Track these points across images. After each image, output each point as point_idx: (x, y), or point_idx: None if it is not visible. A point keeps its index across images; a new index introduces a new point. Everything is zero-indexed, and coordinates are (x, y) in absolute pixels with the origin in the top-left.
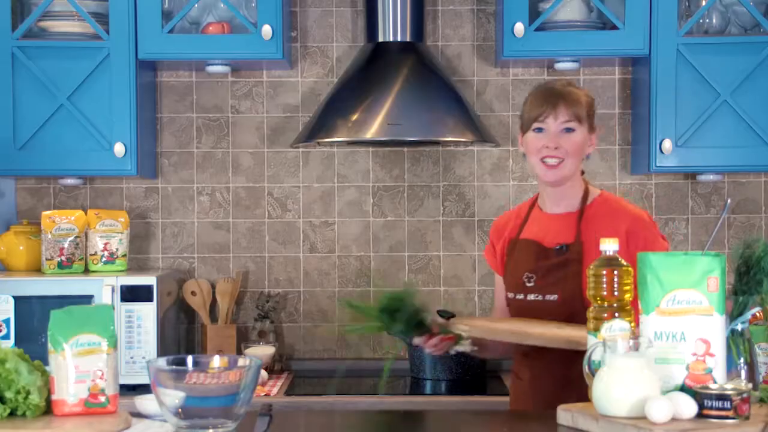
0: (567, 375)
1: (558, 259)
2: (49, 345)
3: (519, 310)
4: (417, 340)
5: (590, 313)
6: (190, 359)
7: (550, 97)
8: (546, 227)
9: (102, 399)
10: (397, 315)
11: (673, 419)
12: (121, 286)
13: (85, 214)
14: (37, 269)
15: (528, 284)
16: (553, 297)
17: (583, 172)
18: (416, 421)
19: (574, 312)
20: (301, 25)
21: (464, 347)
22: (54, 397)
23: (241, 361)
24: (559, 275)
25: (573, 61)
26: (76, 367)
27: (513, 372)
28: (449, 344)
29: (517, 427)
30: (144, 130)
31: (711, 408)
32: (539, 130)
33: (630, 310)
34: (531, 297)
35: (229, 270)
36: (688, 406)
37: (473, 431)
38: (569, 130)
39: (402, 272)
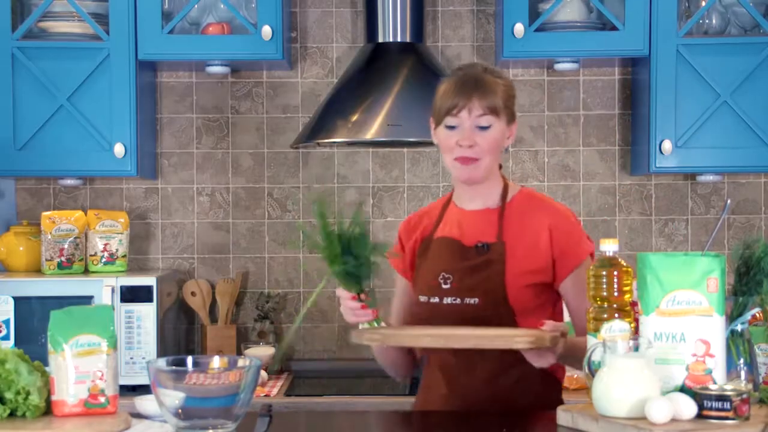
0: (490, 383)
1: (478, 260)
2: (49, 345)
3: (433, 315)
4: (343, 294)
5: (590, 314)
6: (189, 360)
7: (464, 87)
8: (464, 224)
9: (102, 399)
10: (350, 248)
11: (673, 420)
12: (121, 287)
13: (85, 214)
14: (37, 270)
15: (444, 286)
16: (473, 300)
17: (501, 167)
18: (416, 422)
19: (496, 316)
20: (300, 25)
21: (370, 340)
22: (54, 397)
23: (240, 362)
24: (480, 277)
25: (573, 61)
26: (76, 368)
27: (423, 385)
28: (365, 317)
29: (517, 427)
30: (144, 130)
31: (711, 409)
32: (451, 126)
33: (629, 310)
34: (448, 300)
35: (229, 270)
36: (687, 407)
37: (473, 431)
38: (484, 127)
39: None
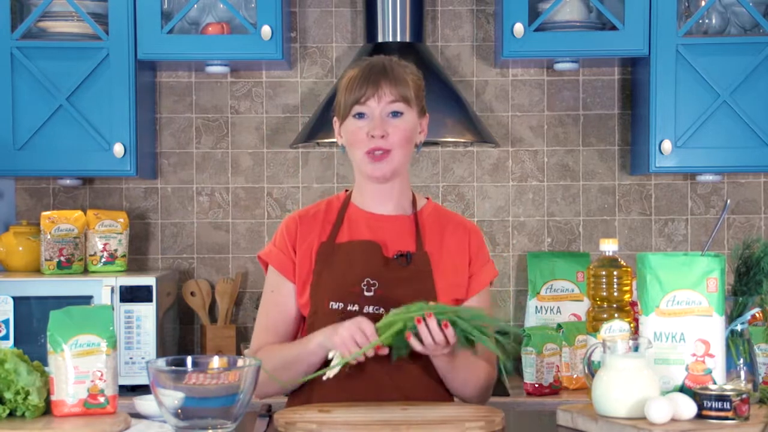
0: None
1: (405, 270)
2: (49, 345)
3: None
4: (367, 330)
5: (590, 314)
6: (189, 360)
7: (371, 75)
8: (375, 228)
9: (101, 400)
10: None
11: (673, 420)
12: (121, 287)
13: (85, 214)
14: (36, 270)
15: (367, 293)
16: None
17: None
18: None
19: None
20: (300, 25)
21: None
22: (53, 397)
23: (240, 362)
24: (410, 288)
25: (572, 61)
26: (76, 368)
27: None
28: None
29: (516, 428)
30: (143, 130)
31: (710, 409)
32: (360, 115)
33: (629, 310)
34: (369, 309)
35: (229, 270)
36: (687, 407)
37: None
38: (396, 113)
39: None
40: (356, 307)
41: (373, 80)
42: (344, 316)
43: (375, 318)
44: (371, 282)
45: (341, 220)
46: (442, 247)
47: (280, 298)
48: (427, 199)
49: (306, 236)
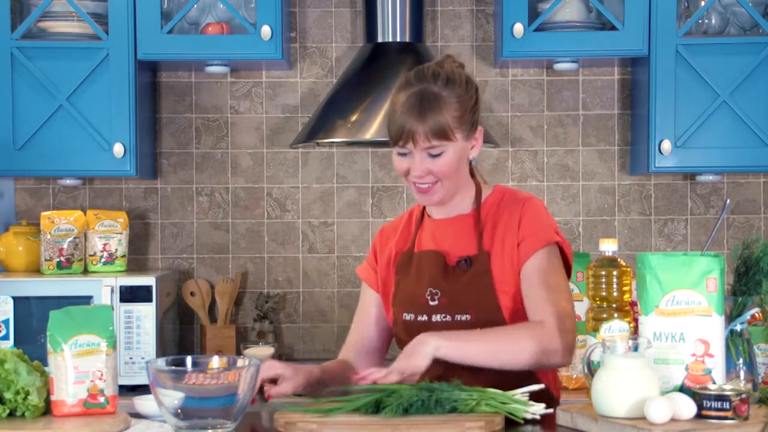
0: None
1: (465, 275)
2: (49, 345)
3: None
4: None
5: (590, 313)
6: (189, 360)
7: (411, 115)
8: (438, 235)
9: (101, 399)
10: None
11: (672, 420)
12: (120, 287)
13: (85, 214)
14: (36, 270)
15: (432, 303)
16: (465, 317)
17: (472, 172)
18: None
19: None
20: (300, 25)
21: None
22: (53, 397)
23: (240, 362)
24: (470, 292)
25: (572, 61)
26: (76, 368)
27: None
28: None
29: (516, 428)
30: (143, 130)
31: (710, 409)
32: (402, 153)
33: (629, 310)
34: (437, 318)
35: (229, 270)
36: (687, 407)
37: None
38: (436, 155)
39: None
40: (425, 317)
41: (411, 124)
42: (417, 326)
43: (445, 327)
44: (434, 291)
45: (418, 228)
46: (499, 237)
47: (363, 304)
48: (495, 188)
49: (385, 246)
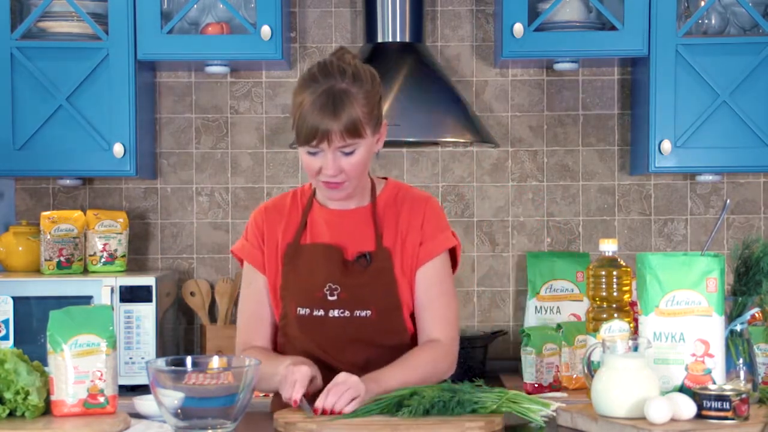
0: None
1: (366, 271)
2: (48, 345)
3: (317, 330)
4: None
5: (590, 314)
6: (189, 360)
7: (324, 115)
8: (337, 229)
9: (101, 399)
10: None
11: (672, 420)
12: (120, 287)
13: (84, 214)
14: (36, 270)
15: (330, 298)
16: (366, 312)
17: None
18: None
19: (391, 328)
20: (300, 25)
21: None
22: (53, 397)
23: (240, 362)
24: (372, 288)
25: (572, 61)
26: (75, 368)
27: None
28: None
29: (515, 428)
30: (143, 130)
31: (710, 409)
32: (312, 152)
33: (629, 310)
34: (335, 313)
35: (228, 270)
36: (687, 407)
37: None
38: (349, 153)
39: None
40: (321, 312)
41: (324, 125)
42: (313, 321)
43: (343, 322)
44: (333, 287)
45: (305, 218)
46: (398, 234)
47: (251, 289)
48: (386, 180)
49: (272, 230)
